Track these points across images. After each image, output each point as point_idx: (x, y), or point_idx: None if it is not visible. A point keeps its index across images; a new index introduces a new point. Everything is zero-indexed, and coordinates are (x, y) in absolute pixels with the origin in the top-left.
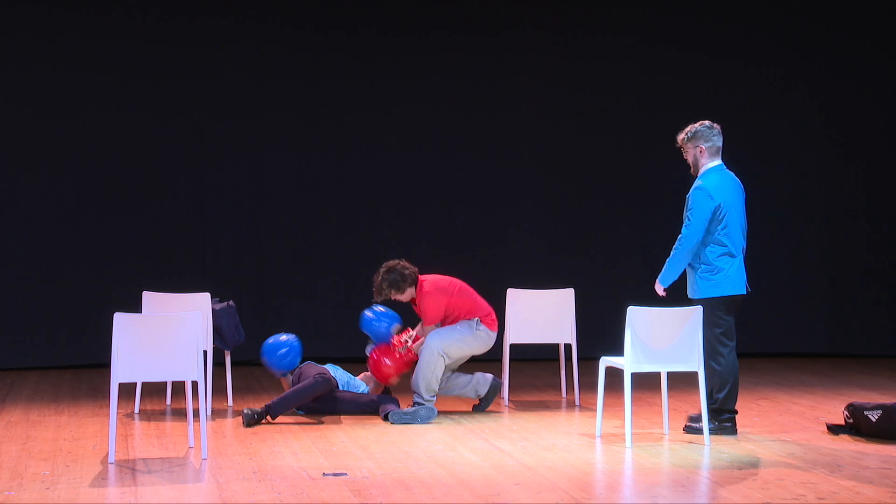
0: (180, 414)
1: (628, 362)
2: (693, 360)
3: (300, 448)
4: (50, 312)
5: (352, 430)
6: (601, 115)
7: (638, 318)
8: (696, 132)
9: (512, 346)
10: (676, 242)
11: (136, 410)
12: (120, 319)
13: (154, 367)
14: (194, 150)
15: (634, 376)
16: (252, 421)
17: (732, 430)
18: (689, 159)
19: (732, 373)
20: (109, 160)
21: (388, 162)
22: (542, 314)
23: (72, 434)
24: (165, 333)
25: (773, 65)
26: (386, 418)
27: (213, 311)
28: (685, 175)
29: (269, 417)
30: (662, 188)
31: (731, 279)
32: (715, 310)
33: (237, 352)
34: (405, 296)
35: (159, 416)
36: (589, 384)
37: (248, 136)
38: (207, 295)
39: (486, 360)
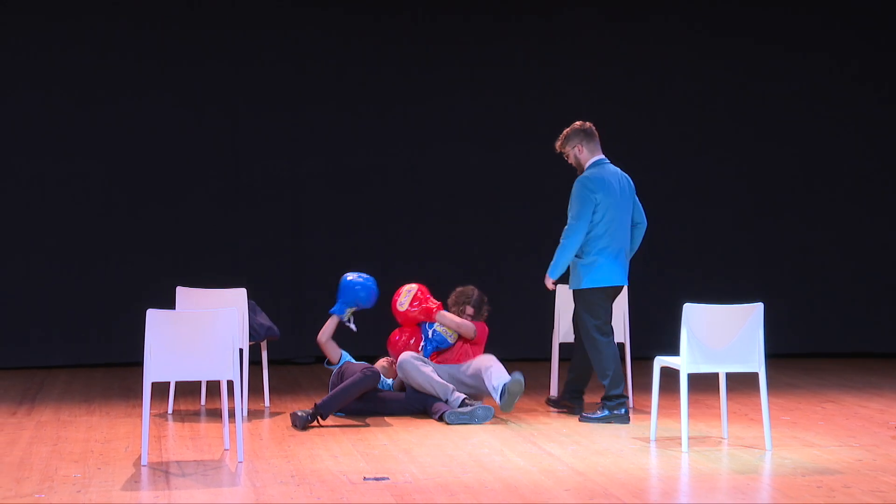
0: (215, 415)
1: (684, 362)
2: (753, 361)
3: (340, 451)
4: (80, 308)
5: (394, 433)
6: (653, 102)
7: (695, 316)
8: (570, 135)
9: (562, 346)
10: (562, 235)
11: (170, 411)
12: (153, 316)
13: (188, 365)
14: (228, 140)
15: (691, 377)
16: (306, 423)
17: (625, 418)
18: (572, 161)
19: (615, 360)
20: (141, 150)
21: (433, 154)
22: None
23: (103, 435)
24: (200, 331)
25: (844, 54)
26: (441, 419)
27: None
28: (744, 164)
29: (319, 419)
30: (722, 179)
31: (611, 270)
32: (594, 300)
33: (274, 349)
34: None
35: (193, 416)
36: (643, 385)
37: (285, 126)
38: (243, 291)
39: (536, 360)
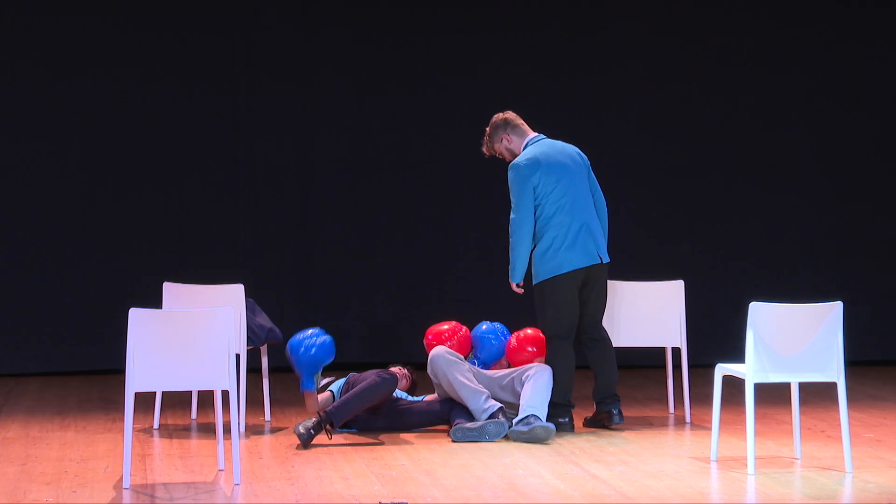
0: (208, 430)
1: (751, 370)
2: (831, 369)
3: (352, 472)
4: (55, 308)
5: (414, 452)
6: (718, 74)
7: (763, 317)
8: (491, 134)
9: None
10: (509, 232)
11: (156, 425)
12: (136, 316)
13: (177, 373)
14: (228, 119)
15: (759, 387)
16: (310, 438)
17: (570, 427)
18: (507, 156)
19: (569, 366)
20: (125, 130)
21: (459, 134)
22: (645, 311)
23: (79, 453)
24: (190, 333)
25: None
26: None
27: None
28: (820, 142)
29: (328, 427)
30: (793, 160)
31: (569, 253)
32: (556, 292)
33: (276, 356)
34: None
35: (183, 432)
36: (702, 397)
37: (292, 102)
38: (240, 287)
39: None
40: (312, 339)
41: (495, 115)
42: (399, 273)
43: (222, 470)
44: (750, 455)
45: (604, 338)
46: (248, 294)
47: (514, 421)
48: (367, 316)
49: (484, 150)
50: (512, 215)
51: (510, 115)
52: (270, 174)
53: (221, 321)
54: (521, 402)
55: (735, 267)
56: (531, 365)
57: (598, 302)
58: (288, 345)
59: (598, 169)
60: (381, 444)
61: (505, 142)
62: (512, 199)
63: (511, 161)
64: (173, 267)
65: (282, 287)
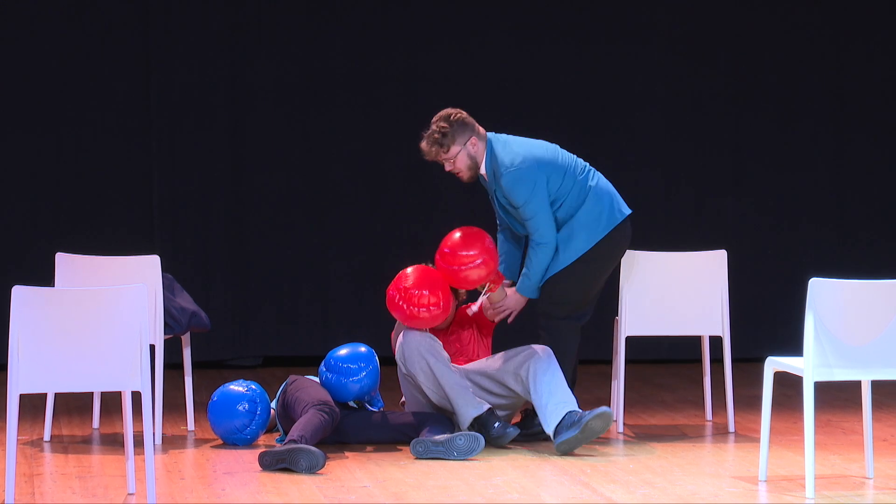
0: (114, 443)
1: (810, 366)
2: None
3: (299, 496)
4: None
5: (379, 470)
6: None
7: (826, 297)
8: (454, 132)
9: (629, 341)
10: (532, 251)
11: (47, 437)
12: (21, 296)
13: (74, 370)
14: (135, 39)
15: (820, 387)
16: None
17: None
18: (463, 164)
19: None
20: (6, 59)
21: (432, 61)
22: (677, 290)
23: None
24: (91, 318)
25: None
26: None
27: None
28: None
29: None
30: (868, 95)
31: (586, 232)
32: (612, 247)
33: (202, 346)
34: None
35: (82, 445)
36: (748, 400)
37: (217, 13)
38: (156, 259)
39: (593, 362)
40: (358, 369)
41: (448, 111)
42: (360, 236)
43: (132, 494)
44: (809, 474)
45: None
46: (165, 268)
47: (553, 426)
48: (321, 294)
49: (438, 156)
50: (536, 237)
51: (464, 113)
52: (191, 109)
53: (131, 303)
54: (542, 403)
55: (792, 232)
56: (522, 349)
57: None
58: (323, 372)
59: (616, 99)
60: (343, 456)
61: (469, 146)
62: (529, 212)
63: (467, 175)
64: (68, 232)
65: (209, 258)
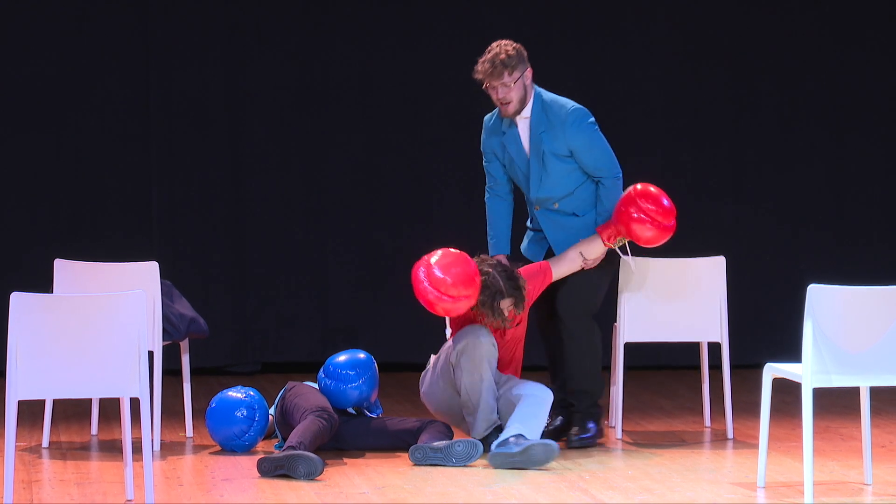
0: (112, 449)
1: (809, 372)
2: None
3: (297, 501)
4: None
5: (378, 477)
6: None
7: (824, 304)
8: (518, 53)
9: (628, 347)
10: (610, 188)
11: (45, 443)
12: (20, 302)
13: (73, 376)
14: (135, 41)
15: (819, 394)
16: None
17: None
18: (518, 93)
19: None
20: (4, 65)
21: (424, 60)
22: (675, 296)
23: None
24: (90, 324)
25: None
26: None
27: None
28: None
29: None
30: (870, 95)
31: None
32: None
33: (200, 353)
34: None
35: (80, 451)
36: (747, 406)
37: (217, 17)
38: (155, 265)
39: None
40: (356, 374)
41: (508, 42)
42: (360, 243)
43: (131, 500)
44: (807, 480)
45: None
46: (164, 274)
47: (494, 443)
48: (321, 300)
49: (502, 77)
50: (612, 173)
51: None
52: (191, 112)
53: (130, 309)
54: (510, 419)
55: (791, 238)
56: (520, 382)
57: None
58: (322, 378)
59: (614, 101)
60: (342, 462)
61: (526, 79)
62: (602, 156)
63: (511, 106)
64: (66, 238)
65: (208, 265)
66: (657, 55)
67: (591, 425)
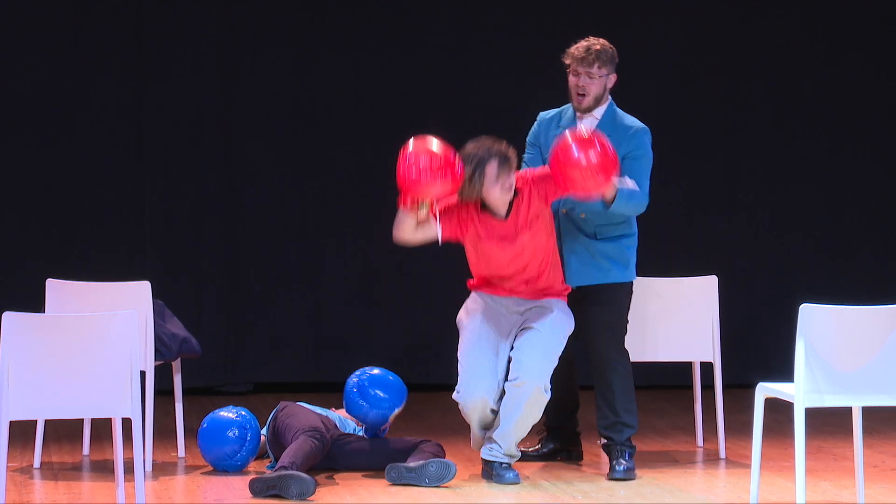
0: (104, 470)
1: (801, 391)
2: None
3: None
4: None
5: (368, 495)
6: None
7: (816, 323)
8: (613, 54)
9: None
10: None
11: (37, 464)
12: (11, 322)
13: (64, 396)
14: (128, 55)
15: (811, 413)
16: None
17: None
18: (599, 88)
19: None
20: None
21: (416, 81)
22: (667, 316)
23: None
24: (82, 344)
25: None
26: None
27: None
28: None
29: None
30: (865, 110)
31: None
32: (627, 299)
33: (192, 373)
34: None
35: (72, 472)
36: (739, 425)
37: (210, 30)
38: (147, 285)
39: (584, 388)
40: (383, 391)
41: (606, 41)
42: (353, 262)
43: None
44: (800, 500)
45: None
46: (156, 294)
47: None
48: (314, 320)
49: (592, 63)
50: (644, 192)
51: None
52: (184, 127)
53: (121, 329)
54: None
55: (784, 256)
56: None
57: None
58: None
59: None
60: (328, 485)
61: (609, 80)
62: (643, 166)
63: (585, 99)
64: (59, 257)
65: (200, 283)
66: (650, 71)
67: (629, 457)
